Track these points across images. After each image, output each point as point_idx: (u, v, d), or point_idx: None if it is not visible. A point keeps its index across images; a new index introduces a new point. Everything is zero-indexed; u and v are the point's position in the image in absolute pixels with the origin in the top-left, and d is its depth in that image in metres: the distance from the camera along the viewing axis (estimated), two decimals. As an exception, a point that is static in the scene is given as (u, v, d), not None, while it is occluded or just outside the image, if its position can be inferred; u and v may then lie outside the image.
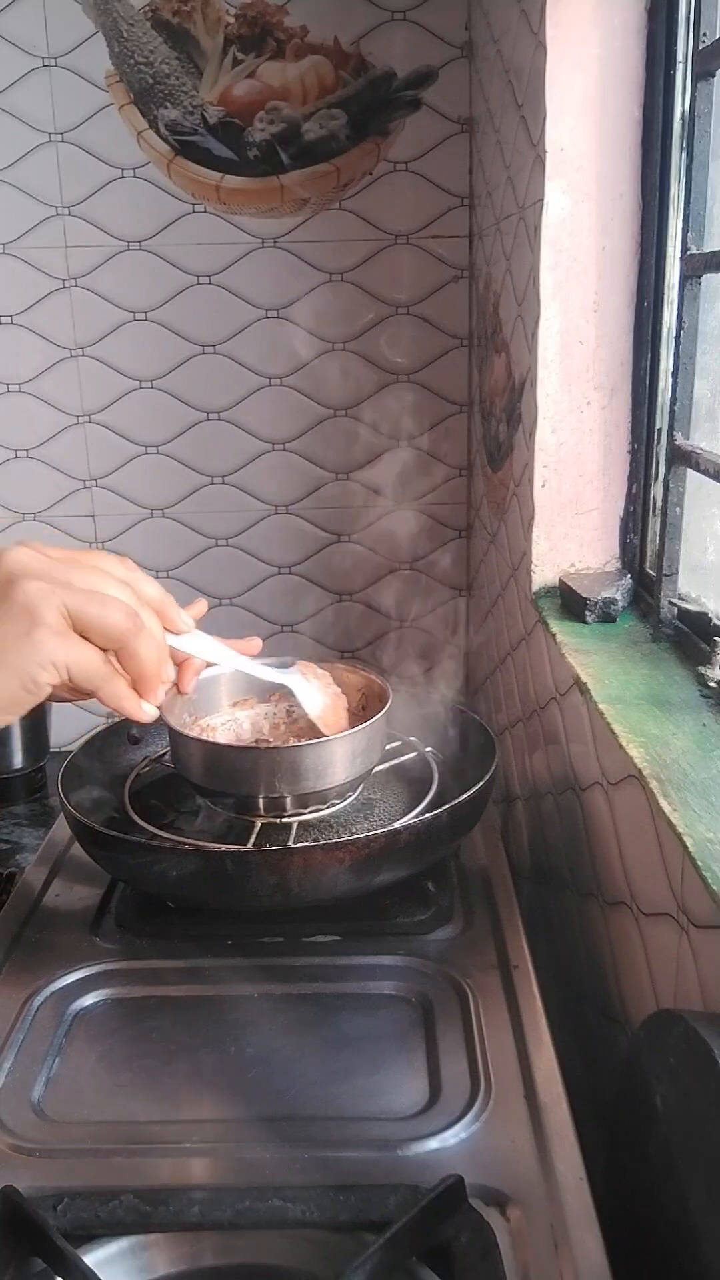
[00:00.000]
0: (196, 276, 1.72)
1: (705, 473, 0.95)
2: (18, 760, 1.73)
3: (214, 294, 1.73)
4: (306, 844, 0.86)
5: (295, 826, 0.90)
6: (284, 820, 0.90)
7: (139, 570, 0.61)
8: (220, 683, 1.02)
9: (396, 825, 0.86)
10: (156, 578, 1.91)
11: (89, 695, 0.57)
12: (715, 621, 0.93)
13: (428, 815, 0.86)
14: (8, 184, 1.67)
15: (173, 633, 0.64)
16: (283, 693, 1.03)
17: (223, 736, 1.01)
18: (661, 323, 1.08)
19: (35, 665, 0.54)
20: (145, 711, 0.59)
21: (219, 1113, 0.71)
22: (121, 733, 1.08)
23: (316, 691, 0.92)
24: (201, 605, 0.74)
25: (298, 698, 0.91)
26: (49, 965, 0.86)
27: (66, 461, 1.80)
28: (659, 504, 1.09)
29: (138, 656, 0.57)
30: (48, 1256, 0.57)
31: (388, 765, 1.00)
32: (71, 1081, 0.74)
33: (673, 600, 1.03)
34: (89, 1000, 0.82)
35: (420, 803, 0.94)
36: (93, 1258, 0.59)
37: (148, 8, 1.61)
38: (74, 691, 0.57)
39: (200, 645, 0.69)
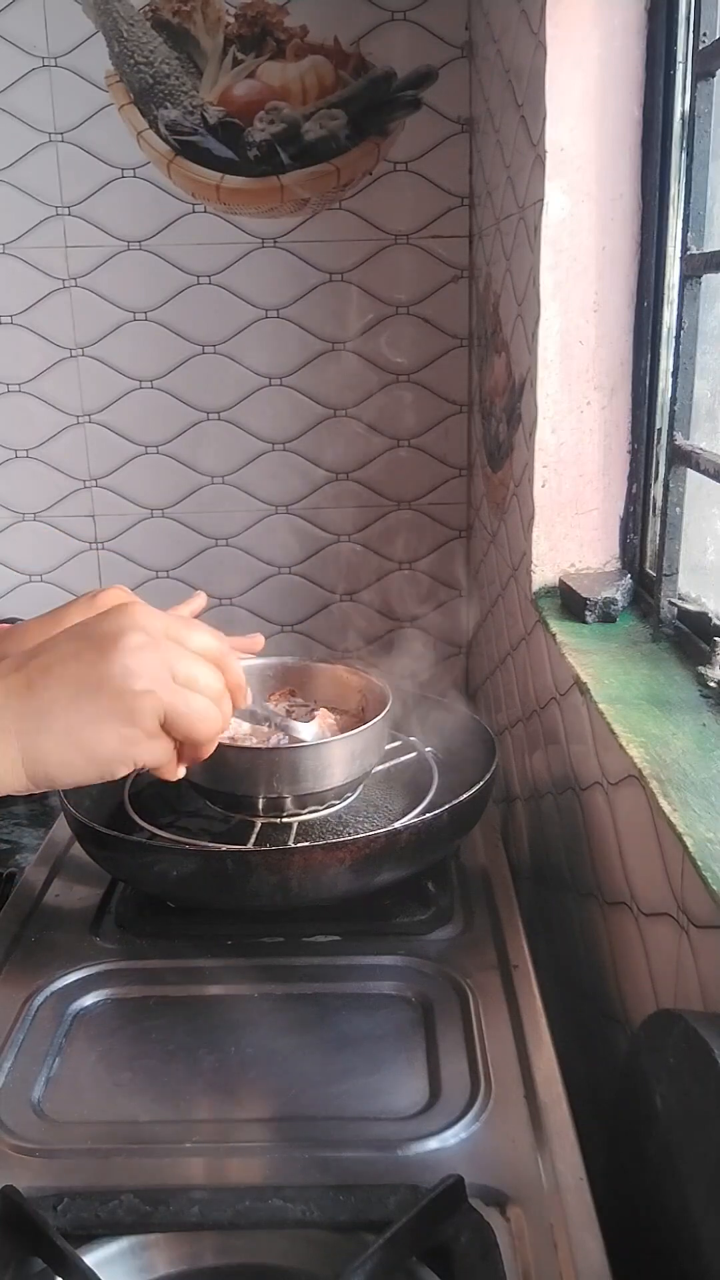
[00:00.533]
0: (196, 276, 1.72)
1: (705, 473, 0.95)
2: (18, 760, 1.73)
3: (214, 294, 1.73)
4: (306, 844, 0.86)
5: (295, 827, 0.90)
6: (284, 820, 0.90)
7: (226, 645, 0.62)
8: None
9: (396, 825, 0.86)
10: (156, 578, 1.90)
11: None
12: (715, 621, 0.93)
13: (428, 815, 0.86)
14: (8, 184, 1.67)
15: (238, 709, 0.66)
16: (284, 692, 1.03)
17: (224, 736, 1.00)
18: (661, 323, 1.08)
19: (119, 763, 0.56)
20: (178, 775, 0.62)
21: (219, 1113, 0.71)
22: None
23: (311, 728, 0.92)
24: (200, 599, 0.75)
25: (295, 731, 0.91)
26: (49, 965, 0.86)
27: (66, 461, 1.80)
28: (659, 504, 1.09)
29: (206, 751, 0.60)
30: (48, 1256, 0.57)
31: (388, 766, 1.00)
32: (71, 1081, 0.74)
33: (673, 600, 1.03)
34: (89, 1000, 0.82)
35: (420, 803, 0.94)
36: (93, 1258, 0.59)
37: (148, 8, 1.61)
38: None
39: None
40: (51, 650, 0.55)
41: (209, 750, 0.60)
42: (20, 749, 0.54)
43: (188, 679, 0.57)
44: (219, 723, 0.59)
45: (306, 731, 0.90)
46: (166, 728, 0.57)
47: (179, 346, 1.75)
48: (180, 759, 0.60)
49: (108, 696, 0.54)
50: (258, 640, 0.78)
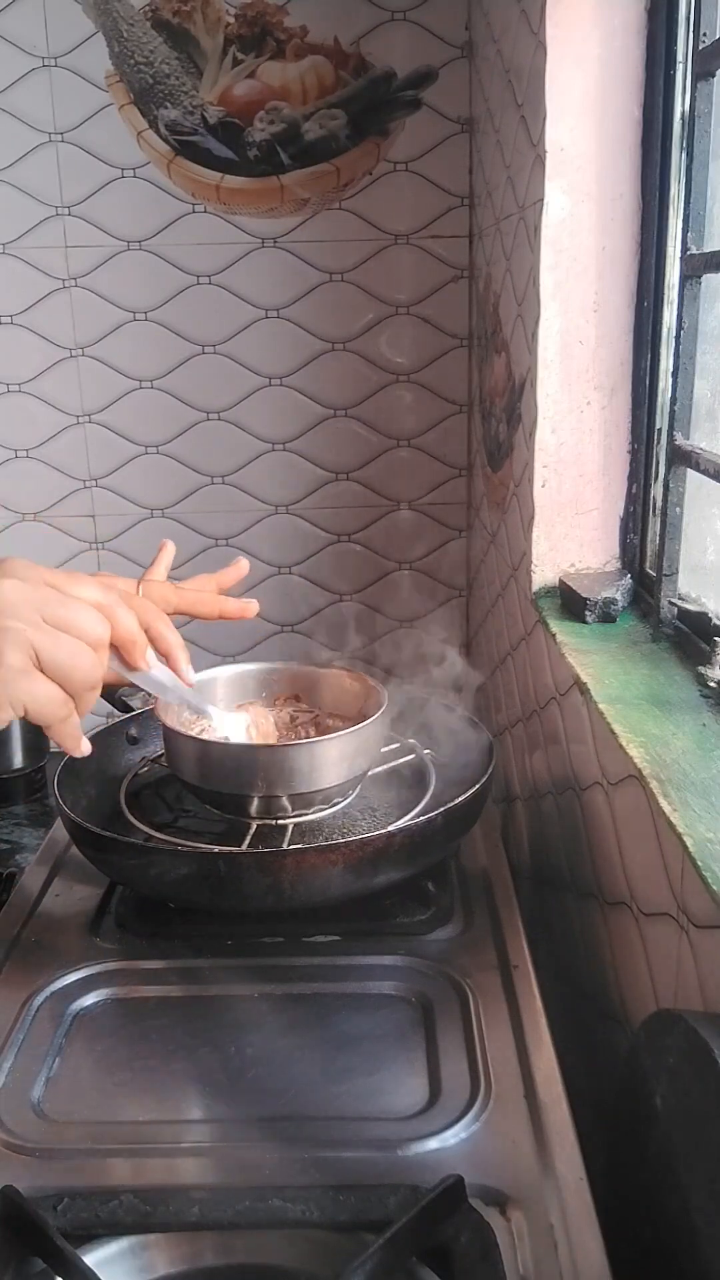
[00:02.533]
0: (196, 276, 1.72)
1: (705, 473, 0.95)
2: (18, 760, 1.73)
3: (214, 294, 1.73)
4: (299, 846, 0.86)
5: (291, 828, 0.90)
6: (280, 822, 0.90)
7: (120, 602, 0.62)
8: (222, 684, 1.02)
9: (390, 828, 0.86)
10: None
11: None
12: (715, 621, 0.93)
13: (422, 818, 0.86)
14: (8, 184, 1.67)
15: (133, 669, 0.66)
16: (288, 698, 1.03)
17: (221, 737, 1.00)
18: (661, 323, 1.08)
19: None
20: (83, 749, 0.62)
21: (219, 1113, 0.71)
22: (120, 733, 1.08)
23: (239, 725, 0.92)
24: (243, 565, 0.80)
25: (214, 724, 0.91)
26: (49, 965, 0.86)
27: (66, 461, 1.80)
28: (659, 504, 1.09)
29: (87, 700, 0.59)
30: (48, 1256, 0.57)
31: (388, 767, 1.00)
32: (71, 1081, 0.74)
33: (673, 600, 1.03)
34: (89, 1000, 0.82)
35: (418, 805, 0.94)
36: (93, 1258, 0.59)
37: (148, 8, 1.61)
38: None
39: (157, 681, 0.70)
40: None
41: (90, 699, 0.59)
42: None
43: (61, 620, 0.57)
44: (95, 667, 0.58)
45: (232, 723, 0.90)
46: (46, 671, 0.56)
47: (179, 346, 1.75)
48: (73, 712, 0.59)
49: None
50: (253, 604, 0.79)
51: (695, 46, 0.97)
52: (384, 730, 0.96)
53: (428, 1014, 0.79)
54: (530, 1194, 0.63)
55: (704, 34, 0.96)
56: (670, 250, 1.04)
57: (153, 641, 0.67)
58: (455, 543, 1.84)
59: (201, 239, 1.70)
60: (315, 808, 0.91)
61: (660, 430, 1.09)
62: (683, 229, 0.99)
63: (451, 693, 1.09)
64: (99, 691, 0.60)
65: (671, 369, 1.02)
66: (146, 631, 0.66)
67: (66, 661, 0.57)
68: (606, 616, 1.08)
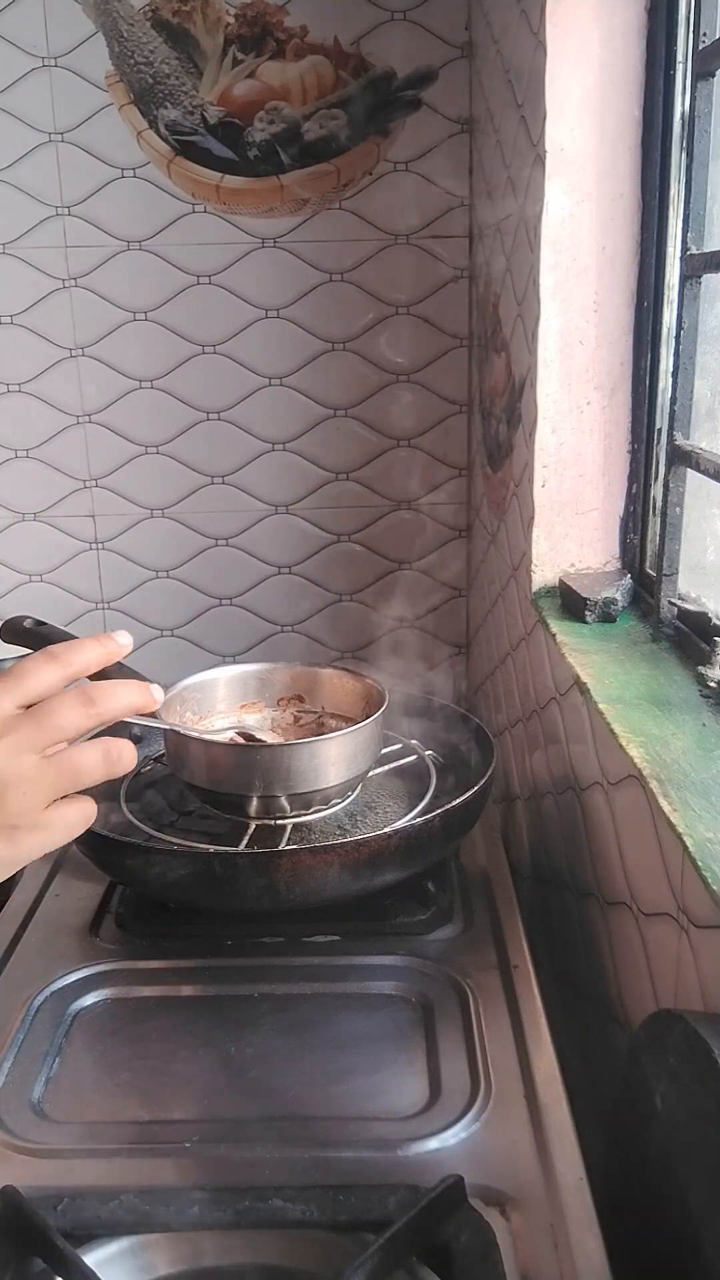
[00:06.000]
0: (196, 276, 1.72)
1: (705, 473, 0.95)
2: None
3: (214, 294, 1.73)
4: (295, 847, 0.86)
5: (289, 829, 0.90)
6: (279, 822, 0.90)
7: (69, 658, 0.58)
8: (225, 686, 1.02)
9: (387, 829, 0.86)
10: (156, 578, 1.90)
11: None
12: (715, 621, 0.93)
13: (419, 820, 0.86)
14: (8, 184, 1.67)
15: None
16: (290, 696, 1.03)
17: (217, 736, 1.01)
18: (661, 323, 1.08)
19: (15, 862, 0.57)
20: (130, 765, 0.61)
21: (219, 1113, 0.71)
22: (123, 733, 1.08)
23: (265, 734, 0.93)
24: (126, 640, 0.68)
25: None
26: (49, 965, 0.86)
27: (66, 461, 1.80)
28: (659, 504, 1.09)
29: (109, 774, 0.59)
30: (48, 1256, 0.57)
31: (388, 768, 1.00)
32: (71, 1081, 0.74)
33: (673, 600, 1.03)
34: (89, 1000, 0.82)
35: (417, 806, 0.94)
36: (93, 1258, 0.59)
37: (148, 8, 1.61)
38: None
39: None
40: None
41: (121, 767, 0.59)
42: None
43: (57, 730, 0.55)
44: (103, 760, 0.57)
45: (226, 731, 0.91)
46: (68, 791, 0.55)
47: (179, 346, 1.75)
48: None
49: None
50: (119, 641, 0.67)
51: (695, 46, 0.97)
52: (383, 731, 0.96)
53: (428, 1014, 0.79)
54: (530, 1194, 0.63)
55: (704, 34, 0.96)
56: (670, 250, 1.04)
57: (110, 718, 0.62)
58: (455, 543, 1.84)
59: (201, 239, 1.70)
60: (315, 808, 0.91)
61: (660, 430, 1.09)
62: (683, 229, 0.99)
63: (451, 693, 1.09)
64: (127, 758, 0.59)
65: (671, 369, 1.02)
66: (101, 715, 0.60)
67: (87, 776, 0.57)
68: (606, 616, 1.08)
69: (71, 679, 0.57)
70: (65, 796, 0.56)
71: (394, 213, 1.69)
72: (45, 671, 0.56)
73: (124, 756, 0.58)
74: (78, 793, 0.58)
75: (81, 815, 0.58)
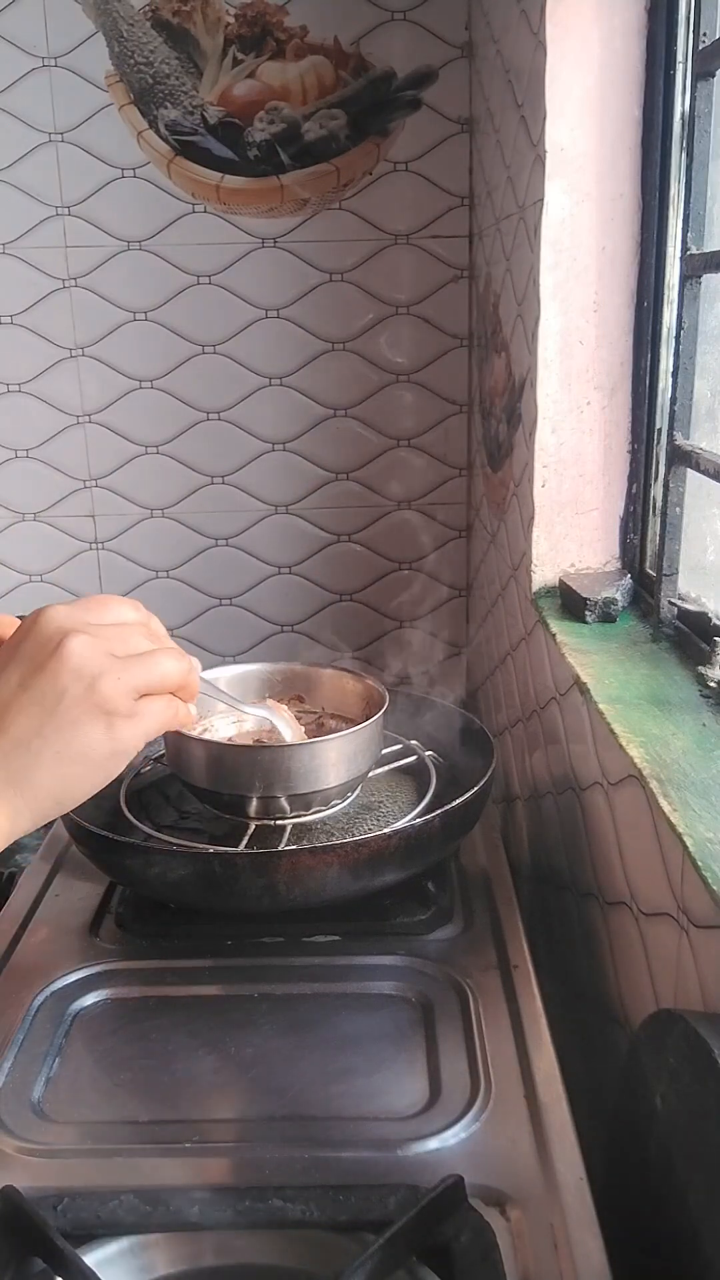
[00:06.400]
0: (196, 276, 1.72)
1: (705, 473, 0.95)
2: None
3: (214, 294, 1.73)
4: (294, 847, 0.86)
5: (289, 829, 0.90)
6: (279, 823, 0.90)
7: (139, 603, 0.62)
8: (224, 685, 1.02)
9: (386, 830, 0.86)
10: (156, 578, 1.91)
11: None
12: (715, 621, 0.93)
13: (418, 820, 0.86)
14: (8, 184, 1.67)
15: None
16: (290, 696, 1.03)
17: (224, 738, 1.01)
18: (661, 323, 1.08)
19: (119, 755, 0.56)
20: (193, 713, 0.62)
21: (219, 1113, 0.71)
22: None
23: (288, 723, 0.93)
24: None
25: (277, 727, 0.91)
26: (49, 965, 0.86)
27: (66, 461, 1.80)
28: (659, 504, 1.09)
29: (190, 684, 0.60)
30: (48, 1256, 0.57)
31: (389, 768, 1.00)
32: (71, 1081, 0.74)
33: (673, 600, 1.03)
34: (89, 1000, 0.82)
35: (418, 806, 0.94)
36: (93, 1258, 0.59)
37: (148, 8, 1.61)
38: None
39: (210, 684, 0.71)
40: None
41: (195, 688, 0.60)
42: (20, 793, 0.53)
43: (131, 649, 0.57)
44: (181, 658, 0.59)
45: (281, 720, 0.91)
46: (146, 694, 0.56)
47: (179, 346, 1.75)
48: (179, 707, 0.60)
49: (73, 704, 0.53)
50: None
51: (695, 46, 0.97)
52: (383, 731, 0.96)
53: (428, 1014, 0.79)
54: (530, 1194, 0.63)
55: (704, 34, 0.96)
56: (670, 250, 1.04)
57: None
58: (455, 543, 1.84)
59: (201, 239, 1.70)
60: (315, 809, 0.91)
61: (660, 430, 1.09)
62: (683, 229, 0.99)
63: (451, 693, 1.09)
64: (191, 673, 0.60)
65: (671, 369, 1.02)
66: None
67: (165, 678, 0.57)
68: (606, 616, 1.08)
69: (144, 628, 0.59)
70: (151, 695, 0.57)
71: (394, 213, 1.69)
72: (122, 606, 0.59)
73: (196, 677, 0.60)
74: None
75: (170, 707, 0.58)
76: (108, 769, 0.56)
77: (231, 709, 0.91)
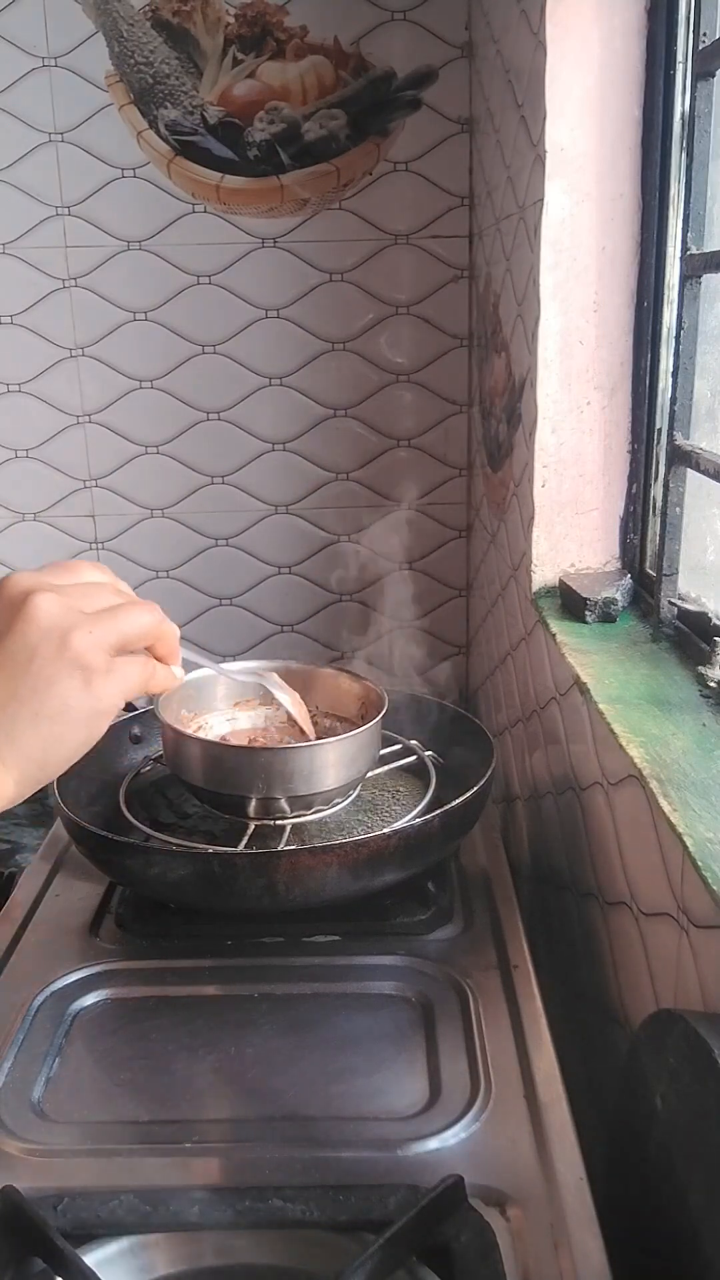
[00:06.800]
0: (196, 276, 1.72)
1: (705, 473, 0.95)
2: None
3: (214, 294, 1.73)
4: (294, 847, 0.86)
5: (288, 829, 0.90)
6: (279, 823, 0.90)
7: (105, 567, 0.61)
8: (223, 684, 1.02)
9: (385, 830, 0.86)
10: (156, 578, 1.91)
11: None
12: (715, 621, 0.93)
13: (417, 820, 0.86)
14: (8, 184, 1.67)
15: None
16: None
17: (218, 736, 1.00)
18: (661, 323, 1.08)
19: (100, 714, 0.54)
20: (178, 675, 0.60)
21: (219, 1113, 0.71)
22: (123, 733, 1.08)
23: (281, 688, 0.93)
24: None
25: (279, 698, 0.91)
26: (49, 965, 0.86)
27: (66, 461, 1.80)
28: (659, 504, 1.09)
29: (165, 637, 0.58)
30: (48, 1256, 0.57)
31: (389, 768, 1.00)
32: (71, 1081, 0.74)
33: (673, 600, 1.03)
34: (89, 1000, 0.82)
35: (417, 807, 0.94)
36: (93, 1258, 0.59)
37: (148, 8, 1.61)
38: None
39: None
40: None
41: (173, 647, 0.59)
42: (2, 761, 0.53)
43: (99, 605, 0.55)
44: (154, 615, 0.57)
45: (282, 694, 0.90)
46: (120, 649, 0.55)
47: (179, 346, 1.75)
48: (164, 660, 0.59)
49: (45, 662, 0.52)
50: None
51: (695, 46, 0.97)
52: (382, 732, 0.96)
53: (428, 1014, 0.79)
54: (530, 1194, 0.63)
55: (704, 34, 0.96)
56: (670, 250, 1.04)
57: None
58: (455, 543, 1.84)
59: (201, 239, 1.70)
60: (314, 809, 0.91)
61: (660, 430, 1.09)
62: (683, 229, 0.99)
63: (451, 693, 1.09)
64: (169, 627, 0.59)
65: (671, 369, 1.02)
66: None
67: (137, 631, 0.56)
68: (606, 616, 1.08)
69: (111, 587, 0.58)
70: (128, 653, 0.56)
71: (394, 213, 1.69)
72: (89, 569, 0.58)
73: (170, 631, 0.58)
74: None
75: (149, 665, 0.57)
76: (90, 728, 0.54)
77: (228, 693, 0.90)
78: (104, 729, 0.55)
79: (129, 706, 1.03)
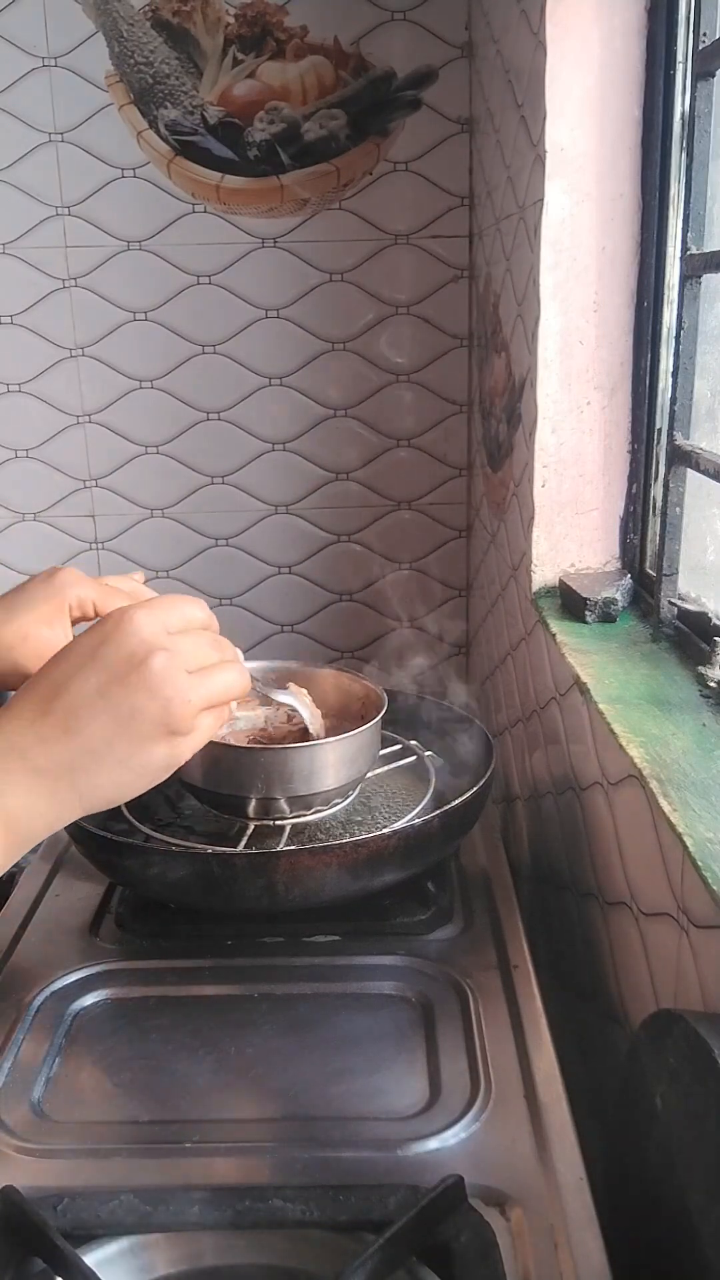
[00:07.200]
0: (196, 276, 1.72)
1: (705, 473, 0.95)
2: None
3: (214, 294, 1.73)
4: (293, 847, 0.86)
5: (288, 829, 0.89)
6: (278, 823, 0.90)
7: (203, 602, 0.66)
8: None
9: (385, 830, 0.86)
10: (156, 578, 1.91)
11: None
12: (715, 621, 0.93)
13: (417, 820, 0.86)
14: (8, 184, 1.67)
15: None
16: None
17: (217, 735, 1.00)
18: (661, 323, 1.08)
19: (170, 768, 0.59)
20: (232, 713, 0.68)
21: (219, 1113, 0.71)
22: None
23: (309, 708, 0.93)
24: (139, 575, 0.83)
25: (302, 714, 0.91)
26: (49, 965, 0.86)
27: (66, 461, 1.80)
28: (659, 504, 1.09)
29: (243, 693, 0.63)
30: (48, 1256, 0.57)
31: (388, 768, 1.00)
32: (71, 1081, 0.74)
33: (673, 600, 1.03)
34: (89, 1000, 0.82)
35: (417, 807, 0.94)
36: (93, 1258, 0.59)
37: (148, 8, 1.61)
38: None
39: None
40: (73, 687, 0.57)
41: (245, 693, 0.64)
42: (75, 788, 0.57)
43: (201, 661, 0.60)
44: (241, 677, 0.62)
45: (306, 708, 0.91)
46: (206, 708, 0.60)
47: (179, 346, 1.75)
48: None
49: (146, 721, 0.57)
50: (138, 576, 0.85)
51: (695, 46, 0.97)
52: (382, 732, 0.95)
53: (428, 1014, 0.79)
54: (530, 1194, 0.63)
55: (704, 34, 0.96)
56: (670, 250, 1.04)
57: None
58: (455, 543, 1.84)
59: (201, 239, 1.70)
60: (314, 809, 0.91)
61: (660, 430, 1.09)
62: (683, 229, 0.99)
63: (451, 693, 1.09)
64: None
65: (671, 369, 1.02)
66: None
67: (228, 695, 0.61)
68: (606, 616, 1.08)
69: (210, 636, 0.63)
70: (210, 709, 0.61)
71: (394, 213, 1.69)
72: (192, 607, 0.63)
73: (247, 687, 0.64)
74: None
75: (220, 720, 0.62)
76: (158, 778, 0.59)
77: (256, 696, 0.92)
78: (163, 779, 0.60)
79: None
